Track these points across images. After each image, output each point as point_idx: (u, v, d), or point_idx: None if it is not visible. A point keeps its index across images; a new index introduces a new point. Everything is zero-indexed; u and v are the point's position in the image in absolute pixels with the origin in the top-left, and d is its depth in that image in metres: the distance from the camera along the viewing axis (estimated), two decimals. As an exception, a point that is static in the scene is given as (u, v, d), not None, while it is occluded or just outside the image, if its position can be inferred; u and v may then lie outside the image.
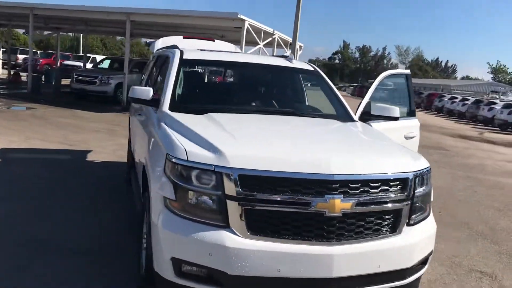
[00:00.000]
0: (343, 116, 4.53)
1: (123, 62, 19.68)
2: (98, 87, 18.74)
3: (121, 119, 14.54)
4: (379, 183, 3.13)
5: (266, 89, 5.00)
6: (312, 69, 5.04)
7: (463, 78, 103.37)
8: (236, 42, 13.90)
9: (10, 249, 4.35)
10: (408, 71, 5.55)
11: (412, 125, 5.42)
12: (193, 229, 2.95)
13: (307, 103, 5.02)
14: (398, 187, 3.20)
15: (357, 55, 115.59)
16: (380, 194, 3.11)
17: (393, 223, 3.21)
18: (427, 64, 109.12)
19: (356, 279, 3.04)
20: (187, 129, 3.46)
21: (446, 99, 39.59)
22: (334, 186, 2.96)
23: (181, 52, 4.70)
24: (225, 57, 4.97)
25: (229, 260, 2.87)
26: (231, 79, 4.80)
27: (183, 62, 4.57)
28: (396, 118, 4.69)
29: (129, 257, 4.32)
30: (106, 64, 22.77)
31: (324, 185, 2.95)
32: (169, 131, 3.50)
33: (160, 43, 7.37)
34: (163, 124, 3.77)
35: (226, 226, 2.92)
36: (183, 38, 7.81)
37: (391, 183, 3.18)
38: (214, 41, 8.16)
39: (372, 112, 4.66)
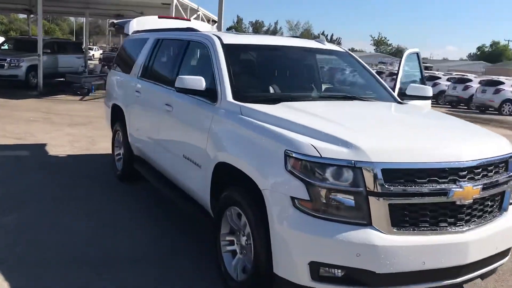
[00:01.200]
0: (390, 97, 4.52)
1: (27, 42, 17.80)
2: (8, 71, 16.86)
3: (47, 105, 13.41)
4: (493, 166, 3.19)
5: (315, 74, 4.82)
6: (344, 51, 4.96)
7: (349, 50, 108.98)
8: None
9: (55, 266, 3.81)
10: (417, 49, 5.68)
11: (427, 103, 5.58)
12: (335, 229, 2.78)
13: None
14: (503, 169, 3.29)
15: (250, 30, 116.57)
16: (494, 176, 3.18)
17: (500, 204, 3.30)
18: (314, 37, 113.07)
19: (480, 263, 3.09)
20: (288, 121, 3.22)
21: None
22: (465, 173, 2.97)
23: (219, 38, 4.34)
24: (267, 40, 4.68)
25: (378, 259, 2.76)
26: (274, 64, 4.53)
27: (228, 49, 4.22)
28: (429, 98, 4.80)
29: (191, 259, 4.02)
30: (9, 45, 20.51)
31: (457, 173, 2.94)
32: (266, 124, 3.23)
33: (135, 24, 6.83)
34: (243, 117, 3.47)
35: (368, 224, 2.79)
36: (159, 18, 7.31)
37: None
38: (190, 20, 7.74)
39: (408, 93, 4.70)
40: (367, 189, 2.78)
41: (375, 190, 2.77)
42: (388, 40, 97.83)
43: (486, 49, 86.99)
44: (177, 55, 4.88)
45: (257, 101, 3.75)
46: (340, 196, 2.81)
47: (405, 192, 2.81)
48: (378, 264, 2.76)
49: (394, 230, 2.81)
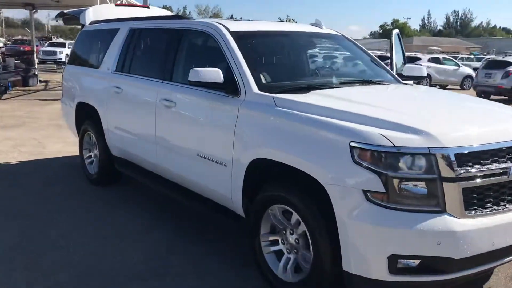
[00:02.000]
0: (394, 79, 4.51)
1: None
2: None
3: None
4: None
5: (322, 59, 4.66)
6: (340, 34, 4.85)
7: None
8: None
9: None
10: (397, 30, 5.74)
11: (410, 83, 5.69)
12: (414, 220, 2.70)
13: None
14: None
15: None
16: None
17: None
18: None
19: None
20: (339, 111, 3.06)
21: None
22: None
23: (224, 25, 4.05)
24: (271, 26, 4.43)
25: (457, 244, 2.73)
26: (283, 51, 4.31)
27: (237, 37, 3.95)
28: (424, 77, 4.87)
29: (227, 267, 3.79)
30: None
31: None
32: (317, 116, 3.05)
33: (92, 13, 6.29)
34: (282, 109, 3.27)
35: (443, 210, 2.75)
36: (116, 5, 6.79)
37: None
38: (149, 7, 7.26)
39: (405, 73, 4.73)
40: (441, 175, 2.72)
41: (450, 176, 2.73)
42: (296, 22, 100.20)
43: (388, 27, 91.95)
44: (168, 46, 4.49)
45: (285, 91, 3.56)
46: (414, 185, 2.73)
47: (475, 175, 2.80)
48: (457, 250, 2.73)
49: (467, 214, 2.79)
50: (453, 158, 2.73)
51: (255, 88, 3.56)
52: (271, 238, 3.43)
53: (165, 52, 4.52)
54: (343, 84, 3.99)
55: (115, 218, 4.76)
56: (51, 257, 3.89)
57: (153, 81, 4.56)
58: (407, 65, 4.81)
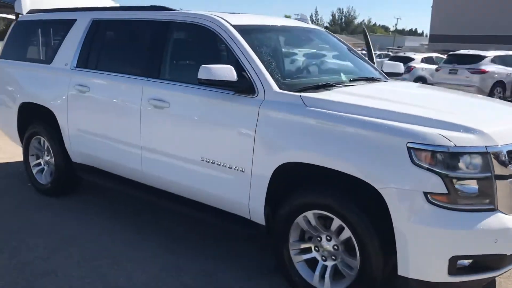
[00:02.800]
0: (383, 76, 4.50)
1: None
2: None
3: None
4: None
5: (319, 55, 4.46)
6: (323, 30, 4.73)
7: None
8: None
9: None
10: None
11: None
12: (473, 220, 2.69)
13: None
14: None
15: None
16: None
17: None
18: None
19: None
20: (383, 111, 2.95)
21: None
22: None
23: (224, 19, 3.74)
24: (270, 20, 4.12)
25: (510, 240, 2.77)
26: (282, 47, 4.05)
27: (241, 31, 3.67)
28: (401, 74, 4.95)
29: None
30: None
31: None
32: (362, 117, 2.91)
33: (29, 2, 5.59)
34: (316, 109, 3.08)
35: (495, 208, 2.76)
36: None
37: None
38: (91, -3, 6.57)
39: (385, 70, 4.76)
40: (495, 173, 2.73)
41: (502, 173, 2.75)
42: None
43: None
44: (153, 41, 4.05)
45: (305, 90, 3.38)
46: (470, 184, 2.71)
47: None
48: (509, 246, 2.77)
49: None
50: (506, 156, 2.76)
51: (275, 87, 3.33)
52: (303, 246, 3.24)
53: (150, 47, 4.06)
54: (353, 81, 3.88)
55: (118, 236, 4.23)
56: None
57: (134, 78, 4.09)
58: (387, 62, 4.84)
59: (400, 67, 4.73)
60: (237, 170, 3.43)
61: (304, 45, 4.21)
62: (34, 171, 5.28)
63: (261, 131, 3.26)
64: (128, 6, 4.44)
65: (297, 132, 3.12)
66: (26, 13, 5.48)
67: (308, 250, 3.24)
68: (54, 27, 5.10)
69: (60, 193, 5.09)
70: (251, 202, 3.41)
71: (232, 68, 3.36)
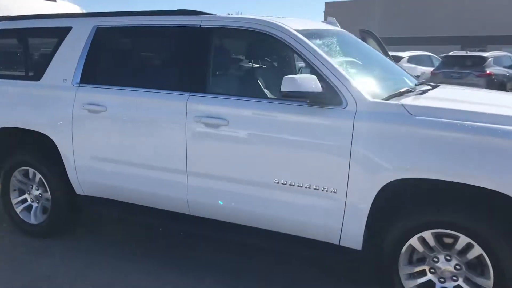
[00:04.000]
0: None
1: None
2: None
3: None
4: None
5: (376, 60, 4.14)
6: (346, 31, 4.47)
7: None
8: None
9: None
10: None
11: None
12: None
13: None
14: None
15: None
16: None
17: None
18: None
19: None
20: (485, 115, 2.77)
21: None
22: None
23: (283, 24, 3.35)
24: (326, 26, 3.75)
25: None
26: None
27: (308, 37, 3.31)
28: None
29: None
30: None
31: None
32: (485, 124, 2.70)
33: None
34: (427, 118, 2.81)
35: None
36: (18, -3, 5.24)
37: None
38: (56, 1, 5.75)
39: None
40: None
41: None
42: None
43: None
44: (194, 50, 3.49)
45: (391, 97, 3.14)
46: None
47: None
48: None
49: None
50: None
51: (367, 96, 3.01)
52: (417, 269, 2.95)
53: (192, 58, 3.51)
54: (418, 85, 3.68)
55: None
56: None
57: (172, 94, 3.53)
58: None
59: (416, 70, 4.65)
60: (327, 191, 3.06)
61: (353, 50, 3.92)
62: (18, 209, 4.40)
63: (359, 146, 2.93)
64: (149, 11, 3.82)
65: (407, 145, 2.83)
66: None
67: (422, 273, 2.96)
68: (37, 37, 4.30)
69: (56, 233, 4.30)
70: (345, 226, 3.06)
71: (315, 77, 3.01)
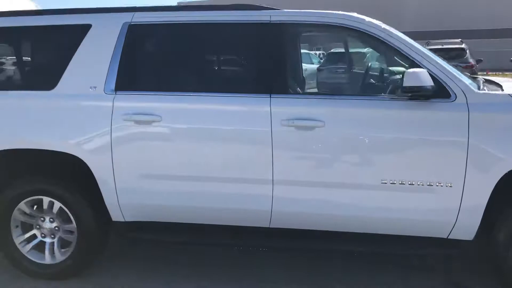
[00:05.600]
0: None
1: None
2: None
3: None
4: None
5: None
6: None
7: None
8: None
9: None
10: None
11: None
12: None
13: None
14: None
15: None
16: None
17: None
18: None
19: None
20: None
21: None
22: None
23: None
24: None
25: None
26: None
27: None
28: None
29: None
30: None
31: None
32: None
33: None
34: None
35: None
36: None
37: None
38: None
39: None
40: None
41: None
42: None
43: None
44: (270, 49, 3.15)
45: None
46: None
47: None
48: None
49: None
50: None
51: (475, 88, 3.05)
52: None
53: (269, 57, 3.17)
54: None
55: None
56: None
57: (249, 97, 3.17)
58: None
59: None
60: (441, 186, 3.02)
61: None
62: (25, 249, 3.59)
63: (476, 139, 2.94)
64: (207, 5, 3.34)
65: None
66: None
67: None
68: (41, 37, 3.53)
69: (85, 269, 3.61)
70: (460, 218, 3.05)
71: (426, 71, 2.94)
